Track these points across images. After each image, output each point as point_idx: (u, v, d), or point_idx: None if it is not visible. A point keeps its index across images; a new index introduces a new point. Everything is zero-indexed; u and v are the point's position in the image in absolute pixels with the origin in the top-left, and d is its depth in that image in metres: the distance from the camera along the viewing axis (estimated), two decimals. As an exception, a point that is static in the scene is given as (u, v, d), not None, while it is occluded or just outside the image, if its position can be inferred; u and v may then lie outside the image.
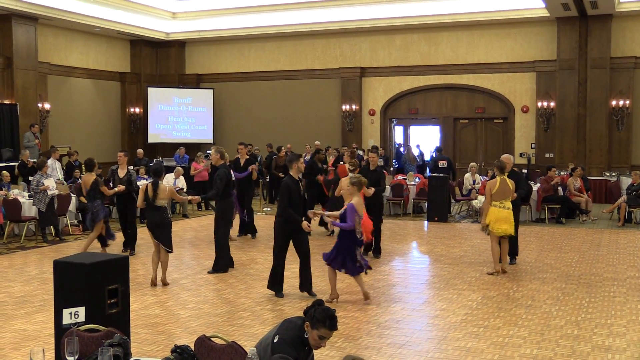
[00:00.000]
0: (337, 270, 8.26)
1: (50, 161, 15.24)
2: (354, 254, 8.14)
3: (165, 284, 9.21)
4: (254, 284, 9.24)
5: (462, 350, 6.43)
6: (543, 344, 6.61)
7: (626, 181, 16.62)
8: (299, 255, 8.53)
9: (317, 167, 14.46)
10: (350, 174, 9.95)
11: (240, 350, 4.03)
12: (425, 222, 15.54)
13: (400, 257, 11.40)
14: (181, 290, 9.00)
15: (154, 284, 9.15)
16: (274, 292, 8.60)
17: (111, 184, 11.87)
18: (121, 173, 11.69)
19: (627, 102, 19.06)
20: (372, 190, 10.58)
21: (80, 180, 12.81)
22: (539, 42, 20.16)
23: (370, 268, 8.47)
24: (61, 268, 5.47)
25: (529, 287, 9.02)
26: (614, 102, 19.12)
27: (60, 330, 4.68)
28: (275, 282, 8.61)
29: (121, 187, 11.69)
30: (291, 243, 8.54)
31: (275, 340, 4.10)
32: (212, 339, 4.21)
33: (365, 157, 14.98)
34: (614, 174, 18.30)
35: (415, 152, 22.87)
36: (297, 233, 8.44)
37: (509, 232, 9.75)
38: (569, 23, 19.27)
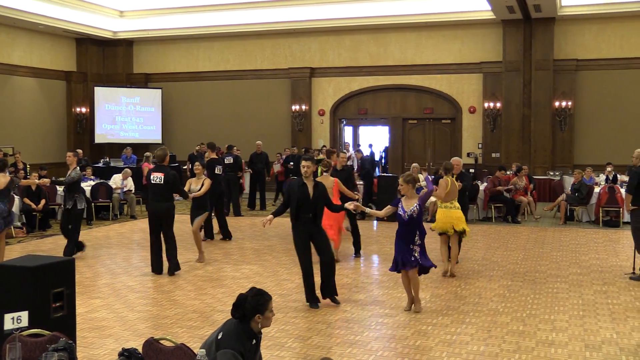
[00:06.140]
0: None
1: (-8, 162, 14.78)
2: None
3: None
4: (203, 286, 9.17)
5: (411, 348, 6.51)
6: (490, 340, 6.74)
7: (569, 180, 17.06)
8: (321, 258, 8.07)
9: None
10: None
11: (189, 352, 4.00)
12: (375, 222, 15.67)
13: (351, 257, 11.45)
14: (129, 292, 8.86)
15: None
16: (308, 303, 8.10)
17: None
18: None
19: (570, 103, 19.58)
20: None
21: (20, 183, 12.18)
22: (486, 44, 20.53)
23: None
24: (3, 272, 5.34)
25: (476, 285, 9.19)
26: (557, 103, 19.62)
27: (2, 336, 4.56)
28: (309, 294, 8.06)
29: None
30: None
31: (219, 337, 4.09)
32: (161, 342, 4.17)
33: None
34: (557, 173, 18.77)
35: (367, 152, 23.06)
36: (316, 235, 8.01)
37: (462, 228, 9.73)
38: (514, 26, 19.70)
